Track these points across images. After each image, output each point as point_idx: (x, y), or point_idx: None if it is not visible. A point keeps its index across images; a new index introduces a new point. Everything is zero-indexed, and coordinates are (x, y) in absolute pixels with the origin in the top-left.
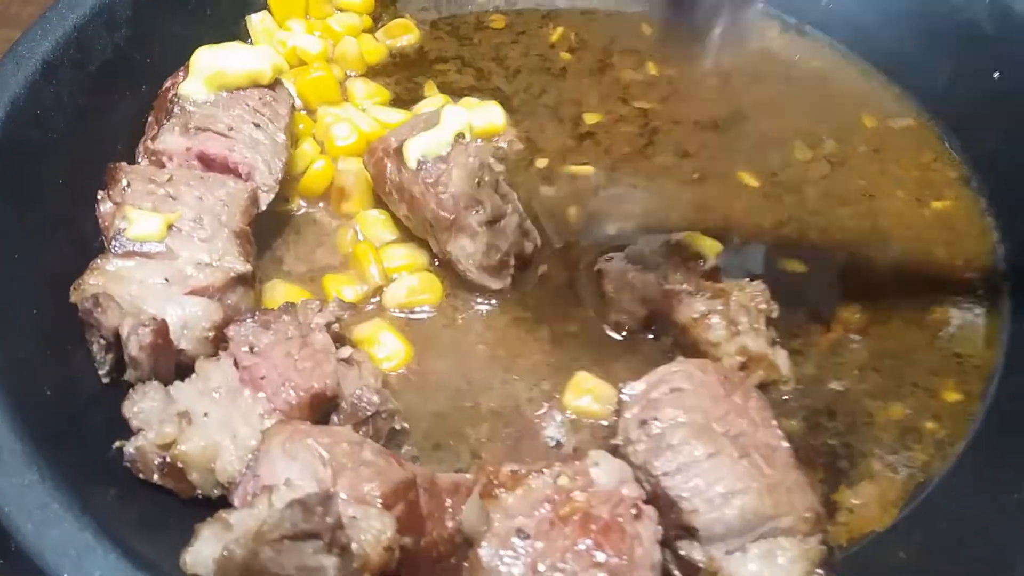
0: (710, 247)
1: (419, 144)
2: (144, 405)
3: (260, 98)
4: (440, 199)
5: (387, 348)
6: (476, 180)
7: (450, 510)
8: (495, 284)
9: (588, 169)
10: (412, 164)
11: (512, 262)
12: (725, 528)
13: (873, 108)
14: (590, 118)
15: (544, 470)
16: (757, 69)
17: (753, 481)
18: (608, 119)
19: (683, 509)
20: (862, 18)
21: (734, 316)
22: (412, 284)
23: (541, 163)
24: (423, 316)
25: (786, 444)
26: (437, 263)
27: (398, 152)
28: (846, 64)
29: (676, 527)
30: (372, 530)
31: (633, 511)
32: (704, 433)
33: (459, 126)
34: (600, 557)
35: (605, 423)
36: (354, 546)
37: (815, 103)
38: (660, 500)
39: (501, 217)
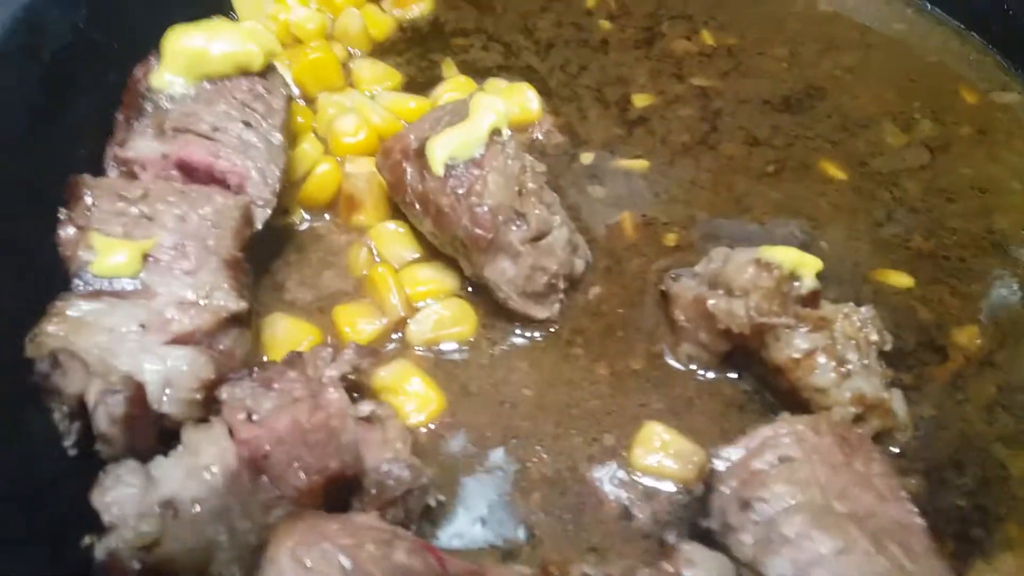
0: (808, 265)
1: (446, 144)
2: (118, 493)
3: (250, 89)
4: (474, 213)
5: (415, 399)
6: (517, 188)
7: None
8: (541, 313)
9: (643, 164)
10: (439, 170)
11: (561, 285)
12: None
13: (971, 80)
14: (640, 100)
15: None
16: (830, 35)
17: None
18: (661, 100)
19: None
20: None
21: (841, 353)
22: (441, 315)
23: (586, 158)
24: (455, 354)
25: (921, 521)
26: (470, 288)
27: (420, 154)
28: (935, 27)
29: None
30: None
31: None
32: (827, 518)
33: (494, 120)
34: None
35: (682, 488)
36: None
37: (902, 75)
38: None
39: (547, 232)
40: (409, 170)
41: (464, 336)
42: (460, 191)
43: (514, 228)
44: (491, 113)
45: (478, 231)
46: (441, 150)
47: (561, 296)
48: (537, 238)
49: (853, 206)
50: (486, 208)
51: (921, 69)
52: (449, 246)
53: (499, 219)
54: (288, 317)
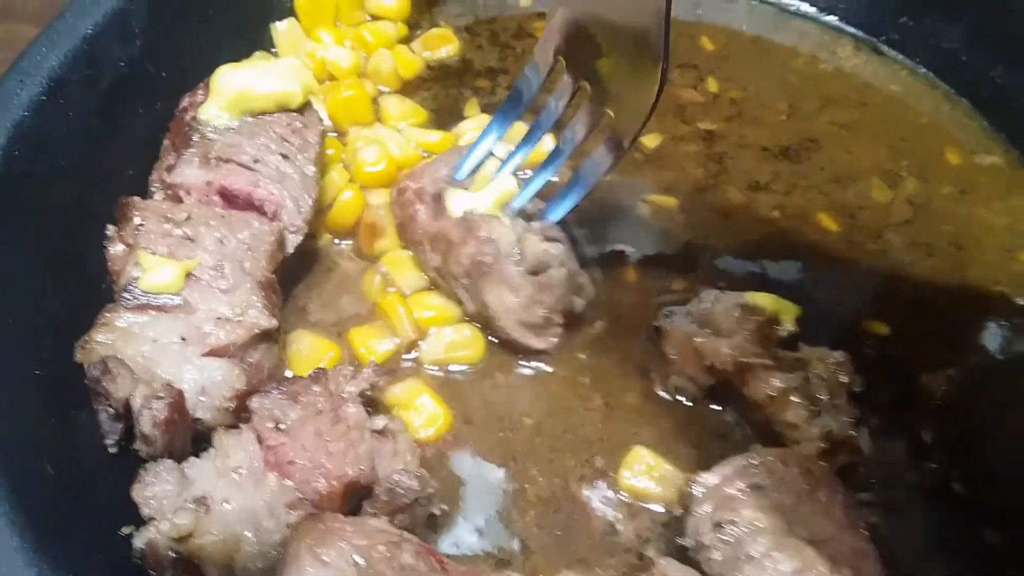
0: (788, 311)
1: (466, 202)
2: (157, 489)
3: (288, 124)
4: (480, 240)
5: (424, 414)
6: (522, 229)
7: None
8: (538, 344)
9: (650, 205)
10: (456, 214)
11: (558, 320)
12: None
13: (957, 142)
14: (650, 140)
15: None
16: (828, 92)
17: None
18: (669, 141)
19: None
20: (944, 39)
21: (814, 392)
22: (452, 339)
23: (594, 197)
24: (463, 376)
25: (874, 550)
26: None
27: (438, 199)
28: (926, 90)
29: None
30: None
31: None
32: (788, 541)
33: (505, 195)
34: None
35: (663, 508)
36: None
37: (893, 133)
38: None
39: (545, 268)
40: (422, 210)
41: (472, 359)
42: (471, 230)
43: (513, 262)
44: (504, 188)
45: (480, 258)
46: (459, 204)
47: (558, 330)
48: (535, 272)
49: (842, 256)
50: (489, 239)
51: (912, 129)
52: (453, 279)
53: (499, 250)
54: (311, 335)
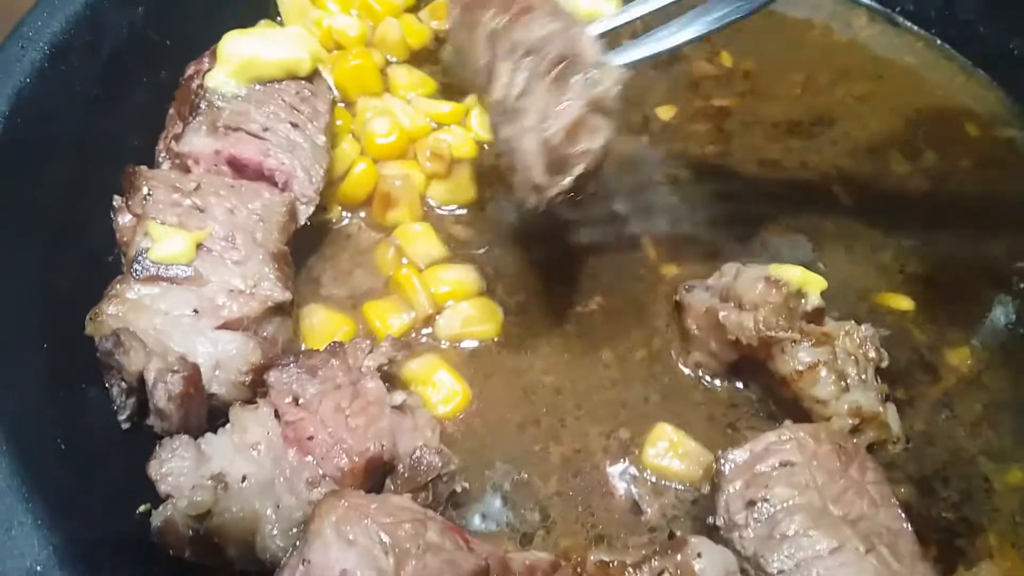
0: (815, 284)
1: None
2: (173, 465)
3: (297, 92)
4: (564, 25)
5: (443, 390)
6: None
7: None
8: (548, 180)
9: (661, 178)
10: None
11: (577, 170)
12: None
13: (975, 114)
14: (664, 113)
15: (643, 565)
16: (844, 65)
17: None
18: (681, 117)
19: None
20: (960, 9)
21: (841, 367)
22: (468, 314)
23: (605, 173)
24: (479, 349)
25: (909, 527)
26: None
27: None
28: (943, 61)
29: None
30: None
31: None
32: (823, 519)
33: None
34: None
35: (688, 487)
36: None
37: (910, 106)
38: None
39: (603, 115)
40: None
41: (490, 334)
42: (558, 14)
43: (584, 76)
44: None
45: (556, 41)
46: None
47: (566, 181)
48: (589, 109)
49: (856, 230)
50: (577, 35)
51: (928, 101)
52: (505, 52)
53: (578, 55)
54: (324, 309)
